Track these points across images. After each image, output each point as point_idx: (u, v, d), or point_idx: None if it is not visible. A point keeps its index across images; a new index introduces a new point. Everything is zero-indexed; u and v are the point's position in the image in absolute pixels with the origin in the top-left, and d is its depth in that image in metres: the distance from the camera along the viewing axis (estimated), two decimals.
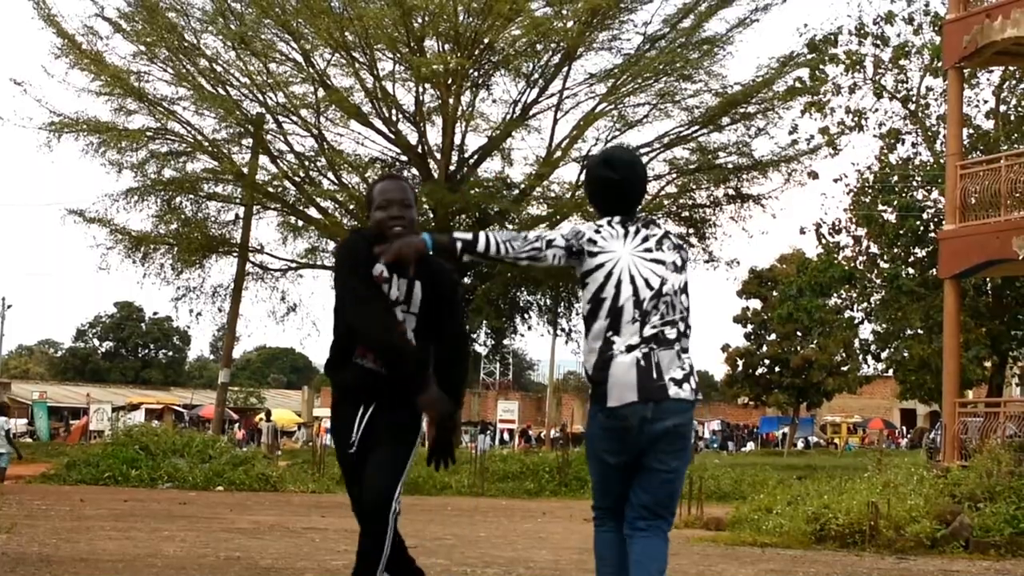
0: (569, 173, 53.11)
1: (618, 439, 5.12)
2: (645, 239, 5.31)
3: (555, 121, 34.42)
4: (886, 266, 33.90)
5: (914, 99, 34.97)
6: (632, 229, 5.34)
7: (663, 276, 5.22)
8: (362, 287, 5.48)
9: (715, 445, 64.28)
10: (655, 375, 5.10)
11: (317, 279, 39.75)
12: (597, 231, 5.34)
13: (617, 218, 5.38)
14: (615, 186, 5.42)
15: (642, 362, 5.10)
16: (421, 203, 29.48)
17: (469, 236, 5.21)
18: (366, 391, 5.59)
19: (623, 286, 5.19)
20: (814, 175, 34.58)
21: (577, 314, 37.95)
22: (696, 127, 34.29)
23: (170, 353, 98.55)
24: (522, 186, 34.69)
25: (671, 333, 5.17)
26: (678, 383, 5.13)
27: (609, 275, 5.23)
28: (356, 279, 5.49)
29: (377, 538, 5.45)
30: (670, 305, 5.20)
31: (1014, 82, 34.53)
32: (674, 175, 35.10)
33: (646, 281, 5.20)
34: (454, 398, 5.62)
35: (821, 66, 34.63)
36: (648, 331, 5.13)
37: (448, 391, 5.56)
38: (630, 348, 5.12)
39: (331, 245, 35.78)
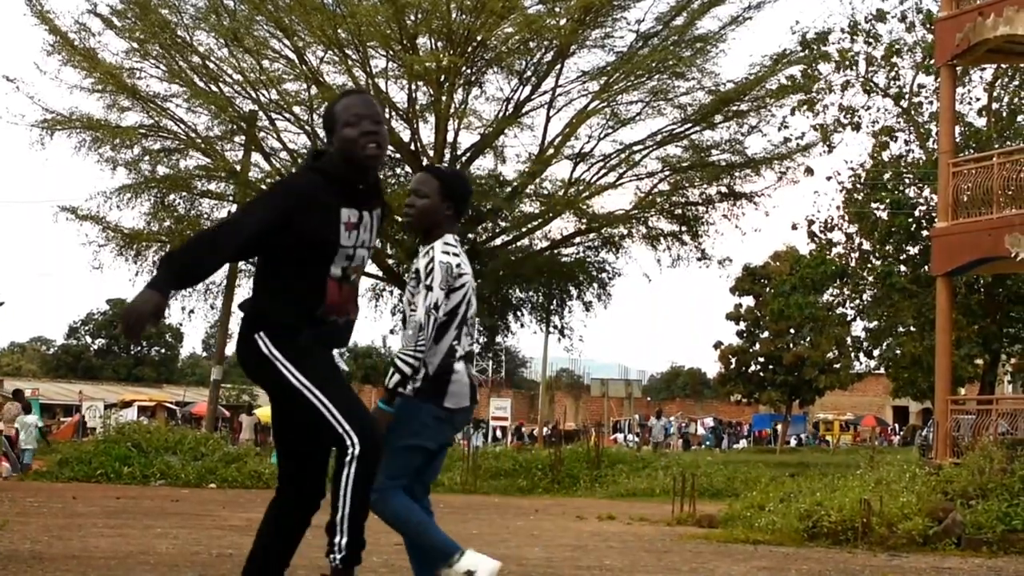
0: (562, 171, 53.00)
1: (445, 431, 5.95)
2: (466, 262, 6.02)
3: (548, 119, 34.41)
4: (878, 263, 33.93)
5: (906, 97, 35.01)
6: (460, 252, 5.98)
7: (473, 300, 5.98)
8: (250, 214, 5.03)
9: (707, 443, 64.32)
10: (474, 383, 6.01)
11: None
12: (456, 255, 5.84)
13: (456, 237, 5.95)
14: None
15: (470, 370, 5.96)
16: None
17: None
18: (334, 344, 5.52)
19: (472, 304, 5.92)
20: (809, 171, 34.59)
21: (570, 312, 37.96)
22: (689, 125, 34.28)
23: (163, 350, 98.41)
24: (515, 184, 34.68)
25: (476, 351, 6.24)
26: (473, 393, 6.01)
27: (468, 292, 5.89)
28: (259, 206, 5.07)
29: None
30: (471, 328, 5.98)
31: (1006, 79, 34.59)
32: (667, 173, 35.09)
33: (469, 301, 5.94)
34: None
35: (814, 64, 34.66)
36: (468, 347, 5.97)
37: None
38: (462, 358, 5.89)
39: None
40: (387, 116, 33.72)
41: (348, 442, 5.05)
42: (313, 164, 5.16)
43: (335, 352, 5.42)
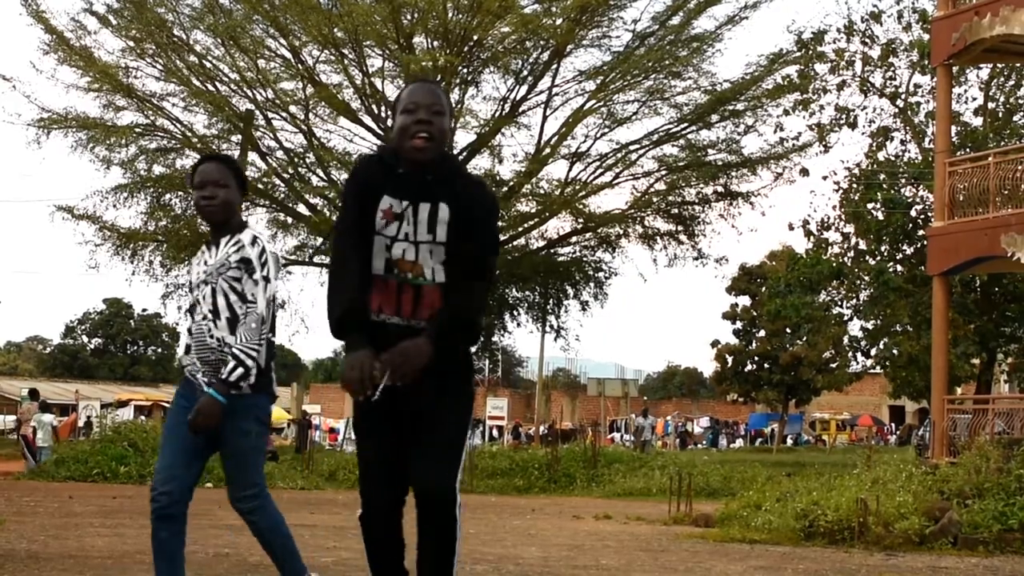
0: (559, 170, 53.01)
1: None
2: None
3: (544, 118, 34.40)
4: (873, 263, 33.97)
5: (903, 96, 35.05)
6: None
7: None
8: (346, 237, 4.74)
9: (705, 443, 64.36)
10: None
11: (306, 276, 39.77)
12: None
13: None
14: None
15: None
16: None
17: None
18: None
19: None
20: (805, 172, 34.62)
21: (567, 311, 37.97)
22: (685, 124, 34.28)
23: (159, 350, 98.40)
24: (511, 183, 34.67)
25: None
26: None
27: None
28: (344, 219, 4.81)
29: (446, 533, 4.93)
30: None
31: (1002, 79, 34.64)
32: (663, 172, 35.10)
33: None
34: (441, 331, 4.63)
35: (810, 64, 34.69)
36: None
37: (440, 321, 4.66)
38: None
39: (320, 242, 35.76)
40: (386, 115, 33.77)
41: None
42: (378, 149, 5.06)
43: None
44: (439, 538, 4.87)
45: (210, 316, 5.73)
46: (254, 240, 5.78)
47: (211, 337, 5.72)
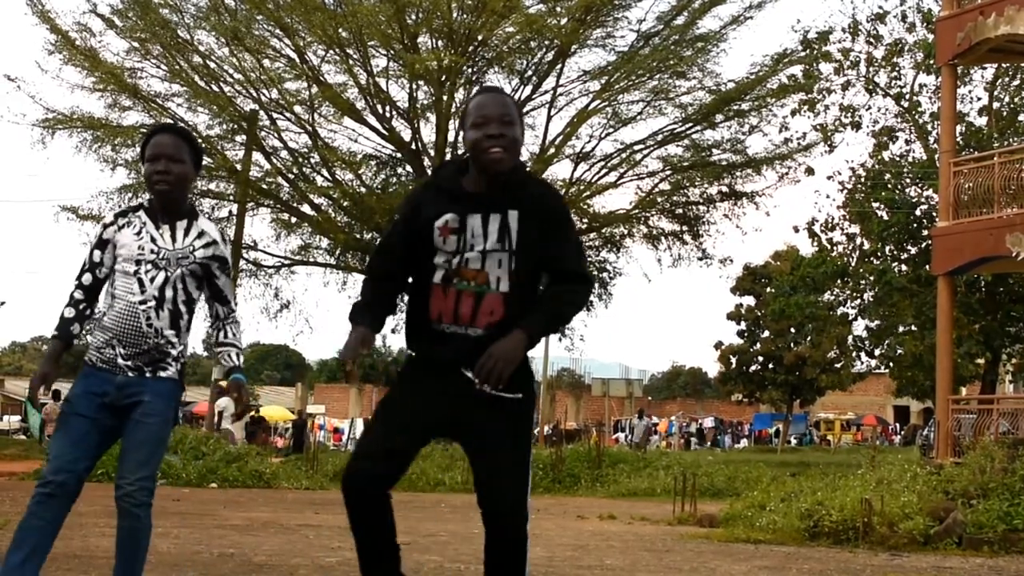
0: (563, 170, 52.95)
1: None
2: None
3: (549, 118, 34.44)
4: (877, 263, 33.94)
5: (907, 96, 35.02)
6: None
7: None
8: (383, 250, 4.94)
9: (712, 442, 64.35)
10: None
11: (311, 276, 39.79)
12: None
13: None
14: None
15: None
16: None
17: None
18: (455, 361, 4.72)
19: None
20: (810, 171, 34.60)
21: None
22: (690, 124, 34.29)
23: None
24: None
25: None
26: None
27: None
28: (388, 228, 4.89)
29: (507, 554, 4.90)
30: None
31: (1007, 79, 34.61)
32: (668, 172, 35.10)
33: None
34: (531, 327, 4.68)
35: (815, 63, 34.67)
36: None
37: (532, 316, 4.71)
38: None
39: (324, 242, 35.80)
40: (391, 115, 33.79)
41: None
42: (434, 171, 4.95)
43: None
44: (510, 557, 4.89)
45: (152, 302, 5.36)
46: (223, 236, 5.66)
47: (149, 326, 5.35)
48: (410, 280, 4.84)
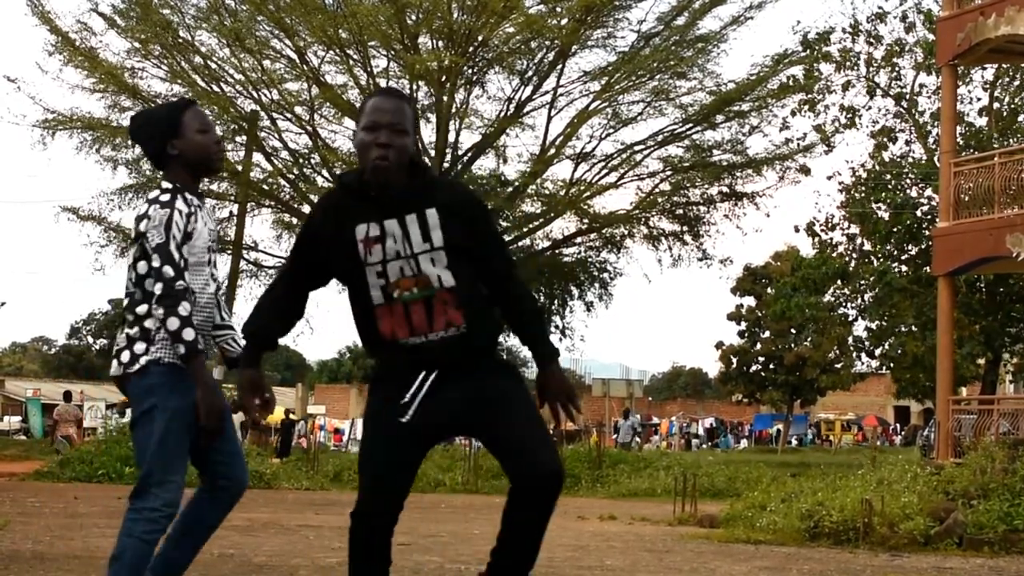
0: (563, 170, 53.00)
1: None
2: None
3: (549, 118, 34.46)
4: (878, 264, 33.94)
5: (907, 97, 35.02)
6: None
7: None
8: (283, 274, 4.77)
9: (711, 441, 64.32)
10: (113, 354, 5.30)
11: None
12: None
13: None
14: None
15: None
16: None
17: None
18: (417, 367, 4.57)
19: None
20: (806, 170, 34.58)
21: (571, 312, 38.01)
22: (690, 125, 34.31)
23: None
24: (516, 184, 34.68)
25: (128, 315, 5.28)
26: (116, 358, 5.24)
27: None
28: (291, 252, 4.74)
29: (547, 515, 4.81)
30: (128, 283, 5.28)
31: (1007, 79, 34.60)
32: (668, 173, 35.12)
33: None
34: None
35: (815, 64, 34.67)
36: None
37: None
38: None
39: None
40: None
41: None
42: (339, 178, 4.74)
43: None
44: (540, 521, 4.85)
45: (215, 291, 5.40)
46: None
47: (219, 318, 5.40)
48: (348, 301, 4.65)
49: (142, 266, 5.12)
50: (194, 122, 5.24)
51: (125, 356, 5.15)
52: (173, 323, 4.99)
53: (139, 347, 5.13)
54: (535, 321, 4.82)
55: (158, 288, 5.01)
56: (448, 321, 4.55)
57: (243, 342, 5.01)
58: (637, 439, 55.79)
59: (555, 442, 4.77)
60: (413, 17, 31.89)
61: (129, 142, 33.36)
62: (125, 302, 5.28)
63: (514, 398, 4.68)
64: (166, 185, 5.20)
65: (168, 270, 5.01)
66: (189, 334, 5.01)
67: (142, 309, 5.14)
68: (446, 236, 4.53)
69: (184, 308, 4.99)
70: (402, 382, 4.56)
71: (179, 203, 5.12)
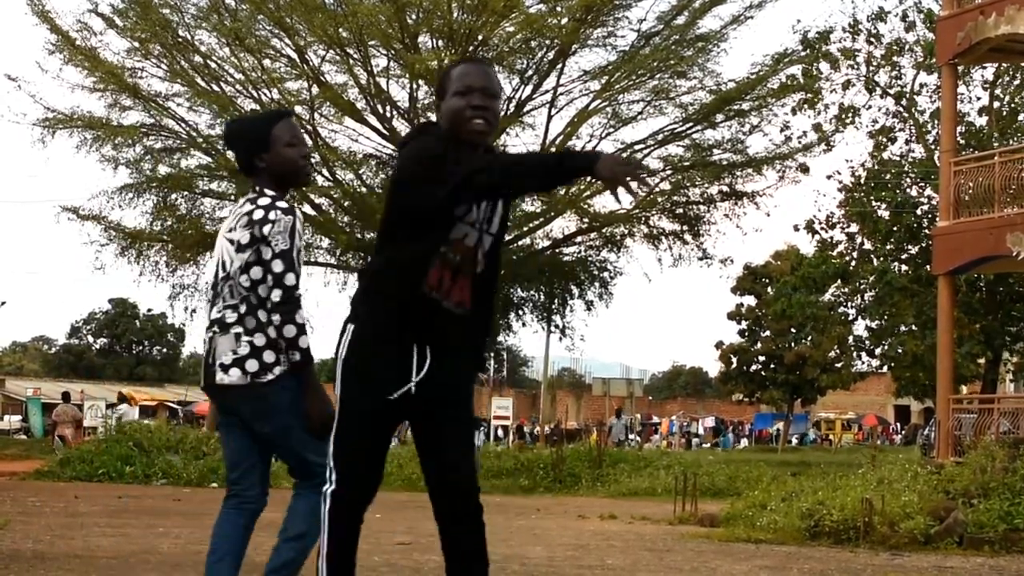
0: None
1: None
2: (234, 217, 5.32)
3: (549, 118, 34.43)
4: (878, 263, 33.96)
5: (907, 96, 35.03)
6: (238, 206, 5.36)
7: (230, 257, 5.23)
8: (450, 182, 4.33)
9: (722, 442, 64.31)
10: (210, 359, 5.23)
11: (311, 276, 39.67)
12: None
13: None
14: None
15: (207, 345, 5.27)
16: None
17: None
18: (430, 335, 4.50)
19: (211, 267, 5.36)
20: (805, 169, 34.55)
21: (572, 311, 37.99)
22: (690, 124, 34.27)
23: (164, 350, 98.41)
24: None
25: (231, 317, 5.20)
26: (225, 368, 5.16)
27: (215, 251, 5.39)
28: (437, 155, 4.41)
29: (480, 528, 4.71)
30: (234, 288, 5.20)
31: (1007, 78, 34.62)
32: (668, 172, 35.09)
33: (222, 263, 5.28)
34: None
35: (815, 63, 34.67)
36: (215, 314, 5.25)
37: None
38: (206, 329, 5.30)
39: (325, 242, 35.77)
40: (391, 115, 33.78)
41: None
42: (429, 130, 4.65)
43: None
44: (479, 532, 4.71)
45: None
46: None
47: None
48: (400, 238, 4.53)
49: (256, 272, 5.13)
50: (284, 135, 5.28)
51: (252, 365, 5.13)
52: (290, 330, 5.06)
53: (269, 356, 5.13)
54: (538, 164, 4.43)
55: (277, 294, 5.04)
56: (460, 300, 4.53)
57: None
58: (637, 438, 55.85)
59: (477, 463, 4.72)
60: (413, 16, 31.87)
61: (129, 142, 33.48)
62: (237, 309, 5.20)
63: (467, 399, 4.65)
64: (270, 192, 5.24)
65: (291, 277, 5.05)
66: (304, 342, 5.09)
67: (263, 316, 5.13)
68: (501, 222, 4.57)
69: (301, 316, 5.07)
70: (402, 350, 4.47)
71: (298, 212, 5.19)
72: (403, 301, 4.47)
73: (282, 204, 5.18)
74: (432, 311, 4.48)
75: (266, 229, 5.10)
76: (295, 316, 5.05)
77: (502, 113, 34.57)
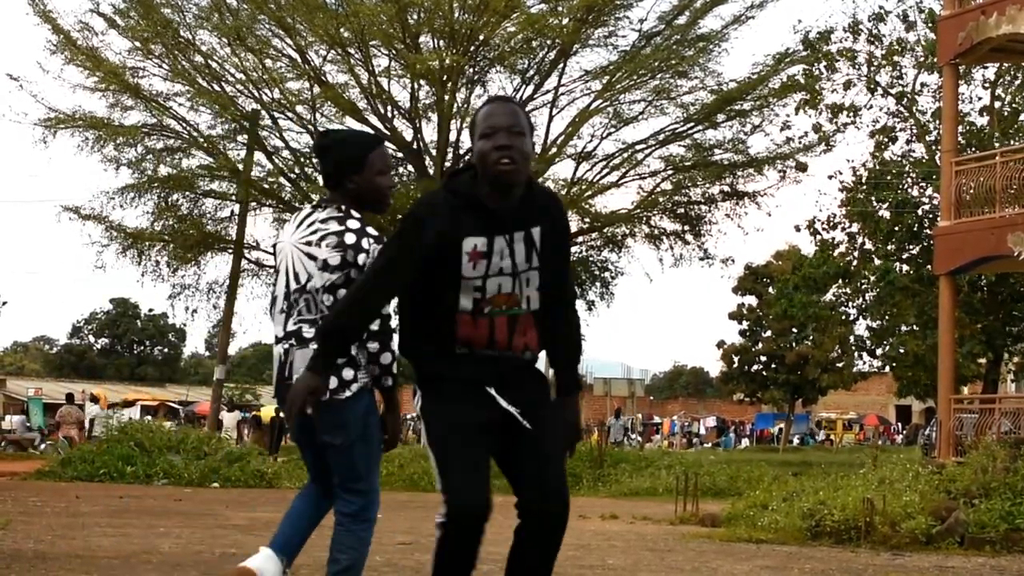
0: (565, 170, 53.07)
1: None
2: (312, 229, 5.33)
3: (550, 118, 34.45)
4: (879, 263, 33.95)
5: (908, 96, 35.02)
6: (306, 216, 5.40)
7: (310, 272, 5.27)
8: (376, 271, 4.56)
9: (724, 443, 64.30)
10: (287, 373, 5.30)
11: None
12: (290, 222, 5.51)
13: (311, 205, 5.48)
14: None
15: (282, 357, 5.35)
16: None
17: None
18: (489, 376, 4.54)
19: (280, 277, 5.39)
20: (803, 167, 34.52)
21: None
22: (691, 124, 34.29)
23: (165, 350, 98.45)
24: None
25: (308, 332, 5.24)
26: None
27: (278, 266, 5.44)
28: (393, 250, 4.54)
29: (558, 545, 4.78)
30: (312, 303, 5.25)
31: (1008, 78, 34.61)
32: (669, 172, 35.11)
33: (296, 274, 5.32)
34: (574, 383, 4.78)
35: (816, 63, 34.67)
36: (291, 326, 5.31)
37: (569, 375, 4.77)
38: (277, 340, 5.38)
39: None
40: (392, 115, 33.78)
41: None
42: (448, 183, 4.59)
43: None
44: (553, 550, 4.84)
45: None
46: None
47: None
48: (415, 301, 4.58)
49: (342, 293, 5.16)
50: (378, 162, 5.35)
51: (332, 382, 5.15)
52: (387, 357, 5.23)
53: (347, 373, 5.19)
54: (576, 354, 4.79)
55: (375, 323, 5.15)
56: (526, 344, 4.58)
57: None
58: (638, 437, 55.85)
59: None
60: (415, 16, 31.89)
61: (131, 142, 33.49)
62: (316, 325, 5.19)
63: (555, 418, 4.66)
64: (356, 214, 5.33)
65: (389, 306, 5.08)
66: (395, 367, 5.24)
67: None
68: (543, 256, 4.52)
69: (394, 344, 5.15)
70: (469, 383, 4.52)
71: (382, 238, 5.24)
72: (433, 355, 4.59)
73: (373, 232, 5.28)
74: (469, 360, 4.55)
75: (360, 258, 5.19)
76: (391, 345, 5.23)
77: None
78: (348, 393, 5.19)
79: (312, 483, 5.63)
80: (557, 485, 4.60)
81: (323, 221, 5.31)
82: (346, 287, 5.15)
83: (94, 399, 38.33)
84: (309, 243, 5.29)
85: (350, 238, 5.22)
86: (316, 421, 5.13)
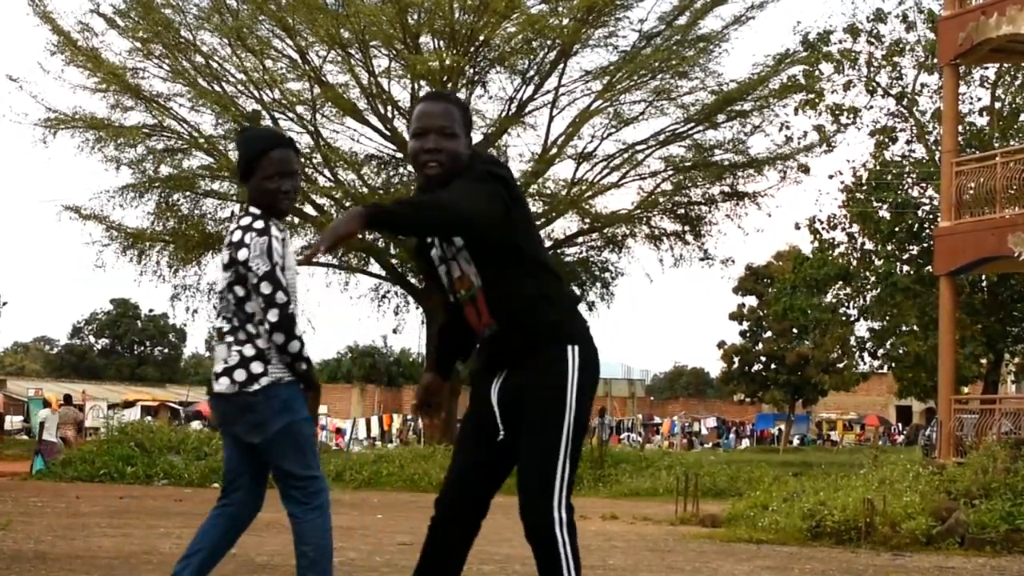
0: (565, 170, 53.12)
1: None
2: (228, 232, 5.43)
3: (551, 118, 34.44)
4: (880, 263, 33.95)
5: (908, 96, 35.03)
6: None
7: (219, 275, 5.38)
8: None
9: (724, 443, 64.29)
10: (213, 369, 5.41)
11: (313, 276, 39.78)
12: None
13: None
14: None
15: (214, 350, 5.48)
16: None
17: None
18: (490, 363, 4.67)
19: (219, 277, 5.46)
20: (805, 169, 34.54)
21: None
22: (692, 124, 34.29)
23: (166, 350, 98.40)
24: (518, 183, 34.65)
25: (226, 327, 5.33)
26: (217, 377, 5.32)
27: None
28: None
29: (551, 559, 4.58)
30: (226, 303, 5.34)
31: (1009, 79, 34.62)
32: (670, 172, 35.10)
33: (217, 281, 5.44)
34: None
35: (816, 63, 34.68)
36: (216, 324, 5.44)
37: None
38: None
39: None
40: (393, 115, 33.75)
41: None
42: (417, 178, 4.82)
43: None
44: (543, 561, 4.61)
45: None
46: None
47: None
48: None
49: (239, 290, 5.24)
50: (270, 166, 5.31)
51: (240, 375, 5.24)
52: (295, 346, 5.20)
53: (256, 367, 5.24)
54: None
55: (273, 315, 5.14)
56: (486, 324, 4.61)
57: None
58: (638, 438, 55.88)
59: (552, 475, 4.54)
60: (415, 17, 31.88)
61: (131, 142, 33.50)
62: (231, 321, 5.32)
63: (535, 409, 4.54)
64: (254, 210, 5.34)
65: (281, 296, 5.14)
66: (306, 351, 5.25)
67: (251, 329, 5.24)
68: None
69: (299, 329, 5.20)
70: (486, 373, 4.65)
71: (274, 230, 5.25)
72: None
73: (257, 225, 5.24)
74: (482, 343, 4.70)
75: (241, 254, 5.20)
76: (295, 331, 5.19)
77: (503, 114, 34.55)
78: (257, 387, 5.22)
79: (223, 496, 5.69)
80: (528, 498, 4.57)
81: (237, 220, 5.44)
82: (241, 284, 5.22)
83: (46, 404, 37.93)
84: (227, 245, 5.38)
85: (236, 235, 5.28)
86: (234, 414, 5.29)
